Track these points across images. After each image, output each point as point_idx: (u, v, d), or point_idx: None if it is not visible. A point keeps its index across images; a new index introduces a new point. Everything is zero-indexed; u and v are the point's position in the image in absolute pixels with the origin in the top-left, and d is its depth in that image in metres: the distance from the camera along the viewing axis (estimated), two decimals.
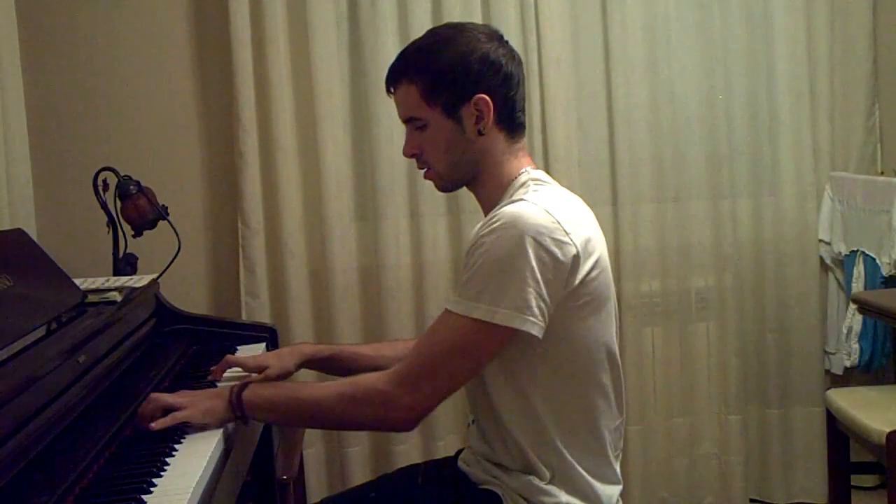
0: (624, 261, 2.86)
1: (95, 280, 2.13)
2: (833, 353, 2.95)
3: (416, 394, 1.40)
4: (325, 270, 2.81)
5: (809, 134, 2.91)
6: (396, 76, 1.54)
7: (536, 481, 1.47)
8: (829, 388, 2.76)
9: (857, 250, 2.78)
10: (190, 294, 2.70)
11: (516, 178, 1.53)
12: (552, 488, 1.47)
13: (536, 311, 1.37)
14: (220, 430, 1.46)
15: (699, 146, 2.90)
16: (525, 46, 2.78)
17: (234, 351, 2.06)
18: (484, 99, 1.49)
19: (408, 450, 2.82)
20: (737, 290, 2.94)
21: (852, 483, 2.67)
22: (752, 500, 2.99)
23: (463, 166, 1.54)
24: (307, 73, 2.76)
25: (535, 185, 1.50)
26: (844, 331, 2.84)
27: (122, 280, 2.17)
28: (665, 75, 2.87)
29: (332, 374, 1.87)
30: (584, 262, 1.42)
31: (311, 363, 1.80)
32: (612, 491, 1.52)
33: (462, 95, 1.49)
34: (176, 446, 1.39)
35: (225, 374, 1.76)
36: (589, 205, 1.55)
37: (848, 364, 2.84)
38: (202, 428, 1.46)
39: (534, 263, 1.36)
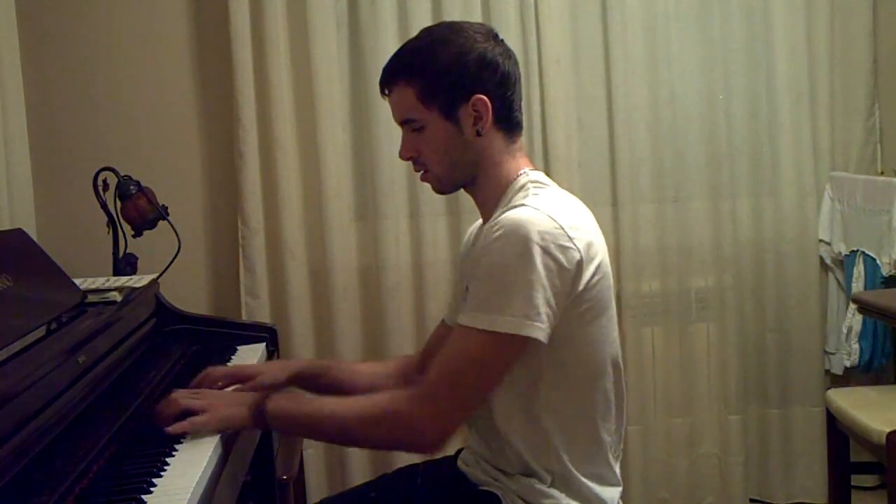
0: (624, 261, 2.86)
1: (95, 280, 2.13)
2: (833, 353, 2.95)
3: (440, 414, 1.38)
4: (325, 270, 2.81)
5: (809, 134, 2.91)
6: (391, 78, 1.51)
7: (537, 484, 1.47)
8: (829, 388, 2.76)
9: (857, 250, 2.78)
10: (190, 294, 2.69)
11: (515, 179, 1.51)
12: (553, 491, 1.46)
13: (544, 317, 1.36)
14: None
15: (699, 146, 2.90)
16: (525, 46, 2.78)
17: (234, 351, 2.06)
18: (482, 99, 1.47)
19: None
20: (737, 290, 2.94)
21: (852, 483, 2.67)
22: (752, 500, 2.99)
23: (461, 168, 1.52)
24: (307, 73, 2.76)
25: (535, 187, 1.48)
26: (844, 331, 2.84)
27: (122, 280, 2.17)
28: (665, 75, 2.87)
29: (323, 392, 1.85)
30: (587, 267, 1.40)
31: (301, 378, 1.76)
32: (612, 493, 1.52)
33: (460, 96, 1.47)
34: (176, 446, 1.38)
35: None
36: (589, 205, 1.54)
37: (848, 364, 2.84)
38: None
39: (540, 270, 1.35)
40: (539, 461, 1.47)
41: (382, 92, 1.54)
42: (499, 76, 1.48)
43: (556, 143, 2.82)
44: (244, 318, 2.76)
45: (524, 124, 1.58)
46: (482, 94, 1.47)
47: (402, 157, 1.55)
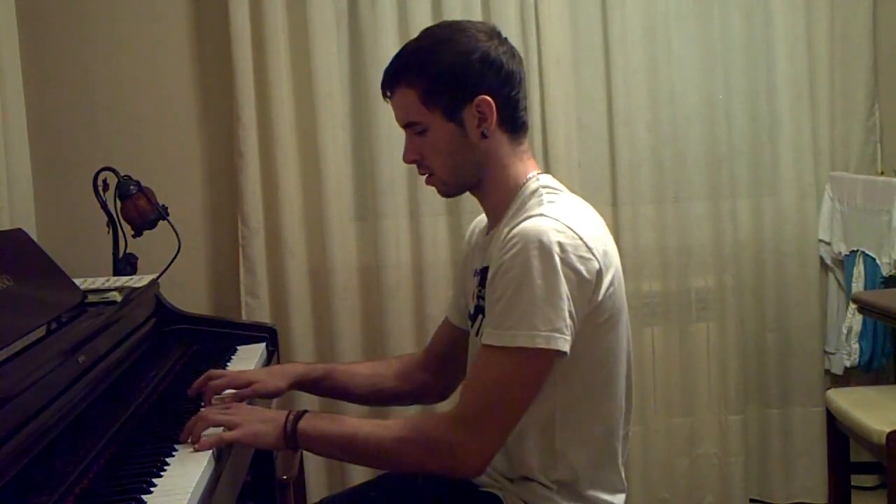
0: (624, 261, 2.81)
1: (95, 280, 2.13)
2: (833, 353, 2.95)
3: (482, 437, 1.35)
4: (325, 270, 2.81)
5: (809, 134, 2.90)
6: (393, 80, 1.48)
7: (540, 489, 1.46)
8: (829, 388, 2.75)
9: (857, 250, 2.78)
10: (190, 294, 2.69)
11: (524, 183, 1.49)
12: (556, 496, 1.45)
13: (567, 329, 1.34)
14: (220, 430, 1.45)
15: (699, 146, 2.90)
16: (525, 46, 2.77)
17: (234, 351, 2.06)
18: (486, 100, 1.44)
19: None
20: (737, 290, 2.94)
21: (852, 483, 2.66)
22: (752, 500, 2.99)
23: (466, 171, 1.49)
24: (307, 73, 2.76)
25: (549, 193, 1.46)
26: (844, 331, 2.84)
27: (122, 280, 2.17)
28: (665, 75, 2.87)
29: (324, 395, 1.82)
30: (605, 277, 1.39)
31: (303, 383, 1.73)
32: (617, 499, 1.51)
33: (463, 97, 1.44)
34: (176, 446, 1.38)
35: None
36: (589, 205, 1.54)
37: (848, 364, 2.84)
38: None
39: (562, 281, 1.33)
40: (547, 473, 1.46)
41: (384, 95, 1.51)
42: (503, 76, 1.46)
43: (556, 143, 2.82)
44: (244, 318, 2.76)
45: None
46: (486, 94, 1.44)
47: (405, 160, 1.53)
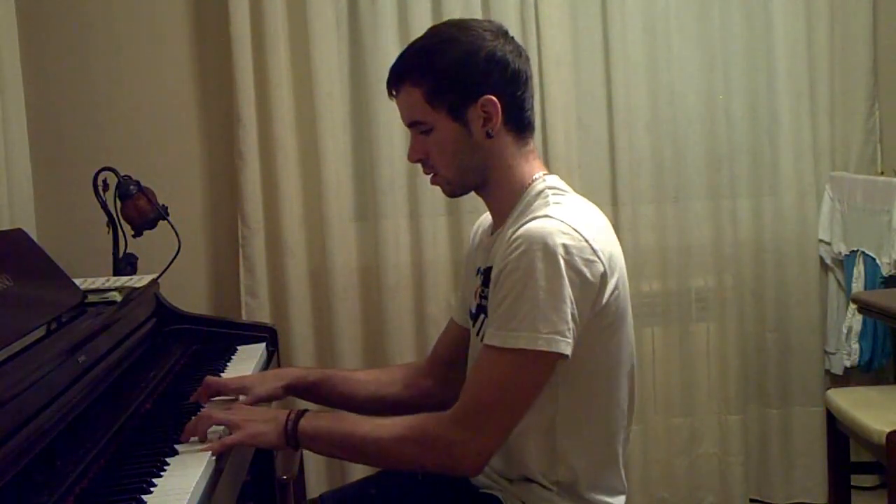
0: (624, 261, 2.85)
1: (95, 280, 2.13)
2: (833, 353, 2.95)
3: (481, 436, 1.35)
4: (325, 270, 2.81)
5: (809, 134, 2.90)
6: (398, 79, 1.48)
7: (540, 491, 1.46)
8: (829, 388, 2.75)
9: (857, 250, 2.78)
10: (190, 294, 2.69)
11: (530, 184, 1.48)
12: (556, 498, 1.45)
13: (569, 332, 1.34)
14: (220, 430, 1.45)
15: (699, 146, 2.90)
16: (525, 46, 2.73)
17: (234, 351, 2.06)
18: (491, 100, 1.43)
19: None
20: (737, 290, 2.94)
21: (852, 483, 2.66)
22: (752, 500, 2.99)
23: (471, 171, 1.49)
24: (307, 73, 2.76)
25: (555, 194, 1.45)
26: (844, 331, 2.84)
27: (122, 280, 2.17)
28: (665, 75, 2.87)
29: (321, 402, 1.80)
30: (609, 281, 1.39)
31: (298, 388, 1.72)
32: (618, 501, 1.51)
33: (468, 97, 1.43)
34: (176, 446, 1.38)
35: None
36: None
37: (848, 364, 2.84)
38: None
39: (566, 284, 1.33)
40: (548, 475, 1.46)
41: (390, 93, 1.51)
42: (508, 75, 1.45)
43: (556, 143, 2.82)
44: (244, 318, 2.76)
45: None
46: (491, 94, 1.44)
47: (410, 159, 1.52)
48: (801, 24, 2.88)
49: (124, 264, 2.36)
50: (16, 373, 1.36)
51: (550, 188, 1.47)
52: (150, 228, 2.35)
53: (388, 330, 2.81)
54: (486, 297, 1.46)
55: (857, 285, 2.77)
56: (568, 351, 1.34)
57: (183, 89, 2.84)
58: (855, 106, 2.95)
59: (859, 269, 2.77)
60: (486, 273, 1.49)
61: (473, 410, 1.37)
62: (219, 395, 1.65)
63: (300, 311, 2.81)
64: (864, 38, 2.93)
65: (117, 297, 2.00)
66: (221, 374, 1.84)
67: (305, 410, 1.44)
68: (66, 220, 2.73)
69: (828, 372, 2.98)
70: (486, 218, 1.62)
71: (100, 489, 1.24)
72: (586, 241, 1.36)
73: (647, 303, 2.91)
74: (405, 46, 1.53)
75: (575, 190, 1.54)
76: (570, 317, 1.33)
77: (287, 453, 2.19)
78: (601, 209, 1.54)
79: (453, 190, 1.54)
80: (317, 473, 2.84)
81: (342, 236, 2.81)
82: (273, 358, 2.12)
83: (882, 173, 2.94)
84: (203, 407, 1.62)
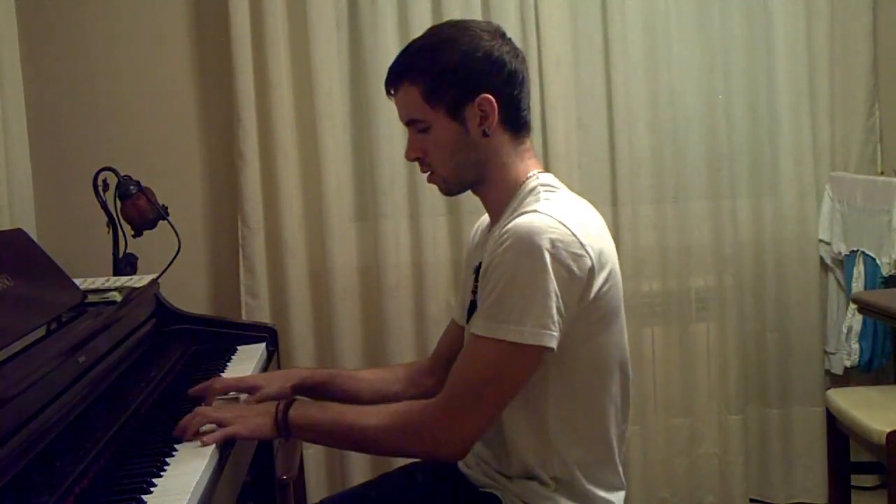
0: (624, 261, 2.85)
1: (95, 280, 2.13)
2: (833, 353, 2.95)
3: (463, 424, 1.38)
4: (325, 270, 2.81)
5: (809, 134, 2.90)
6: (397, 77, 1.49)
7: (539, 487, 1.46)
8: (829, 388, 2.75)
9: (857, 250, 2.78)
10: (190, 294, 2.69)
11: (524, 182, 1.50)
12: (555, 495, 1.46)
13: (555, 326, 1.35)
14: (213, 427, 1.45)
15: (699, 146, 2.90)
16: (525, 46, 2.77)
17: (234, 351, 2.06)
18: (488, 99, 1.45)
19: None
20: (737, 290, 2.94)
21: (852, 483, 2.67)
22: (752, 500, 2.99)
23: (468, 169, 1.50)
24: (307, 73, 2.76)
25: (546, 191, 1.47)
26: (844, 331, 2.84)
27: (122, 280, 2.17)
28: (665, 75, 2.87)
29: (326, 400, 1.84)
30: (598, 275, 1.39)
31: (305, 387, 1.74)
32: (616, 497, 1.51)
33: (465, 96, 1.45)
34: (176, 446, 1.38)
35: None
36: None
37: (848, 364, 2.84)
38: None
39: (552, 277, 1.34)
40: (544, 469, 1.46)
41: (388, 92, 1.52)
42: (505, 75, 1.47)
43: (556, 143, 2.82)
44: (244, 318, 2.76)
45: None
46: (488, 93, 1.45)
47: (407, 157, 1.54)
48: (801, 24, 2.88)
49: (124, 264, 2.36)
50: (16, 373, 1.36)
51: (543, 185, 1.49)
52: (150, 228, 2.35)
53: (388, 330, 2.81)
54: (476, 293, 1.48)
55: (857, 285, 2.77)
56: (553, 344, 1.36)
57: (183, 89, 2.84)
58: (855, 106, 2.95)
59: (859, 269, 2.77)
60: (478, 270, 1.51)
61: (458, 397, 1.39)
62: (233, 393, 1.66)
63: (300, 311, 2.81)
64: (864, 38, 2.93)
65: (117, 297, 2.00)
66: (222, 374, 1.84)
67: (294, 400, 1.47)
68: (66, 220, 2.73)
69: (828, 372, 2.98)
70: (486, 218, 1.63)
71: (100, 489, 1.24)
72: (574, 235, 1.37)
73: (647, 303, 2.92)
74: (407, 44, 1.55)
75: (575, 190, 1.55)
76: (555, 311, 1.35)
77: (287, 452, 2.20)
78: (601, 209, 1.55)
79: (449, 188, 1.55)
80: (317, 474, 2.84)
81: (342, 236, 2.81)
82: (273, 358, 2.12)
83: (882, 173, 2.94)
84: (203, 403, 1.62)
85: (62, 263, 1.94)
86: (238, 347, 2.08)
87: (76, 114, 2.79)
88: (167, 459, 1.33)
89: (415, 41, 1.53)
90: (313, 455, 2.84)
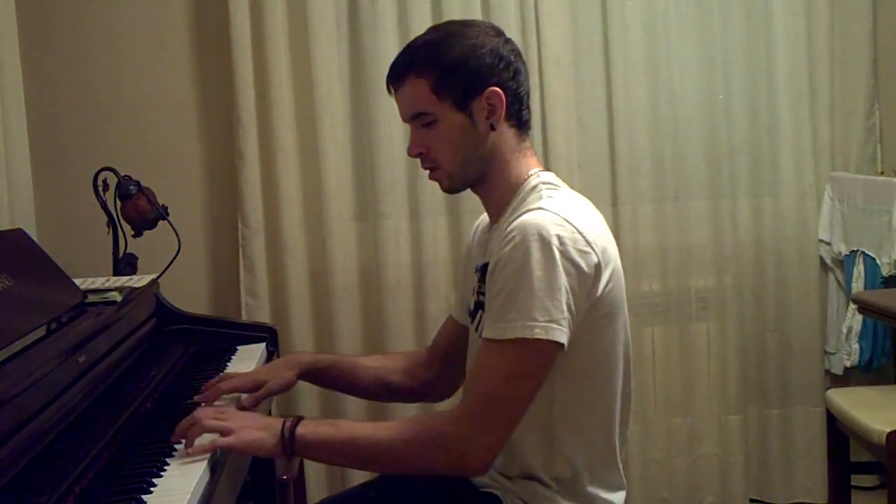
0: (624, 261, 2.81)
1: (95, 280, 2.13)
2: (833, 353, 2.95)
3: (488, 432, 1.35)
4: (325, 270, 2.81)
5: (809, 134, 2.90)
6: (402, 71, 1.49)
7: (540, 488, 1.46)
8: (829, 388, 2.75)
9: (857, 250, 2.78)
10: (190, 294, 2.69)
11: (526, 179, 1.50)
12: (556, 496, 1.46)
13: (565, 322, 1.34)
14: (213, 437, 1.43)
15: (699, 146, 2.90)
16: (525, 46, 2.77)
17: (234, 351, 2.06)
18: (496, 92, 1.46)
19: None
20: (737, 290, 2.94)
21: (852, 483, 2.66)
22: (752, 500, 2.99)
23: (473, 164, 1.50)
24: (307, 73, 2.76)
25: (548, 189, 1.47)
26: (844, 331, 2.84)
27: (122, 280, 2.17)
28: (665, 75, 2.87)
29: (331, 387, 1.83)
30: (604, 273, 1.39)
31: (309, 374, 1.73)
32: (617, 498, 1.51)
33: (474, 88, 1.46)
34: (176, 446, 1.38)
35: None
36: None
37: (848, 364, 2.84)
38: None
39: (562, 273, 1.33)
40: (547, 470, 1.46)
41: (389, 89, 1.52)
42: (511, 71, 1.48)
43: (556, 143, 2.82)
44: (244, 318, 2.76)
45: None
46: (496, 86, 1.46)
47: (410, 153, 1.53)
48: (801, 24, 2.88)
49: (124, 264, 2.36)
50: (16, 373, 1.36)
51: (545, 183, 1.49)
52: (150, 228, 2.35)
53: (388, 330, 2.81)
54: (483, 294, 1.47)
55: (857, 285, 2.77)
56: (564, 340, 1.35)
57: (183, 89, 2.84)
58: (855, 106, 2.95)
59: (859, 269, 2.77)
60: (482, 269, 1.50)
61: (479, 407, 1.36)
62: (237, 393, 1.65)
63: (300, 311, 2.81)
64: (864, 38, 2.93)
65: (117, 297, 2.00)
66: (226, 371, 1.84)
67: (302, 417, 1.42)
68: (66, 220, 2.73)
69: (828, 372, 2.98)
70: (485, 217, 1.63)
71: (100, 489, 1.24)
72: (580, 232, 1.37)
73: (647, 303, 2.91)
74: (410, 40, 1.54)
75: (575, 190, 1.55)
76: (565, 306, 1.34)
77: None
78: (601, 209, 1.55)
79: (453, 184, 1.54)
80: (317, 474, 2.83)
81: (342, 236, 2.81)
82: (273, 358, 2.12)
83: (882, 173, 2.94)
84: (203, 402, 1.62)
85: (62, 263, 1.94)
86: (238, 347, 2.09)
87: (76, 114, 2.79)
88: (167, 459, 1.33)
89: (419, 37, 1.53)
90: None
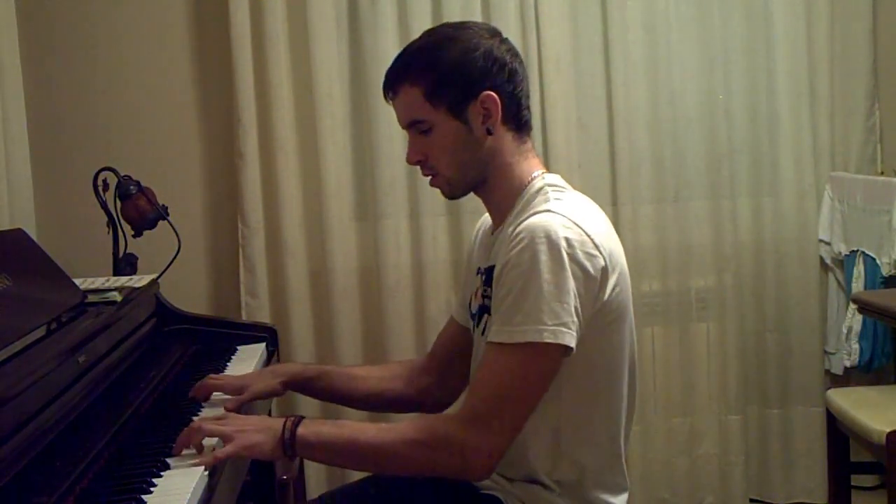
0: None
1: (95, 280, 2.13)
2: (833, 353, 2.95)
3: (492, 435, 1.33)
4: (325, 270, 2.81)
5: (809, 134, 2.90)
6: (396, 79, 1.48)
7: (542, 491, 1.46)
8: (829, 388, 2.75)
9: (857, 250, 2.78)
10: (190, 294, 2.69)
11: (530, 182, 1.49)
12: (559, 499, 1.45)
13: (573, 325, 1.33)
14: (213, 442, 1.42)
15: (699, 146, 2.90)
16: (525, 46, 2.77)
17: (234, 351, 2.06)
18: (491, 96, 1.44)
19: None
20: (737, 290, 2.94)
21: (852, 483, 2.66)
22: (752, 500, 2.99)
23: (472, 169, 1.48)
24: (307, 73, 2.76)
25: (555, 191, 1.45)
26: (844, 331, 2.84)
27: (122, 280, 2.17)
28: (665, 75, 2.87)
29: (320, 397, 1.81)
30: (611, 276, 1.39)
31: (297, 383, 1.72)
32: (620, 500, 1.50)
33: (468, 93, 1.44)
34: (169, 461, 1.38)
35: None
36: None
37: (848, 364, 2.84)
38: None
39: (570, 277, 1.33)
40: (551, 473, 1.45)
41: (386, 97, 1.51)
42: (506, 73, 1.46)
43: (556, 143, 2.82)
44: (244, 318, 2.76)
45: None
46: (490, 90, 1.44)
47: (409, 161, 1.52)
48: (801, 24, 2.87)
49: (124, 264, 2.36)
50: (16, 373, 1.36)
51: (550, 185, 1.47)
52: (150, 228, 2.35)
53: (388, 330, 2.81)
54: (488, 297, 1.46)
55: (857, 285, 2.77)
56: (573, 343, 1.34)
57: (183, 89, 2.84)
58: (855, 106, 2.95)
59: (859, 269, 2.77)
60: (487, 272, 1.49)
61: (483, 409, 1.35)
62: (225, 396, 1.65)
63: (300, 311, 2.81)
64: (864, 38, 2.93)
65: (117, 297, 2.00)
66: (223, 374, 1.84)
67: (302, 417, 1.41)
68: (66, 220, 2.73)
69: (828, 372, 2.98)
70: (487, 218, 1.62)
71: (100, 489, 1.24)
72: (587, 235, 1.36)
73: (647, 303, 2.91)
74: (404, 46, 1.53)
75: (575, 189, 1.55)
76: (573, 310, 1.33)
77: None
78: (601, 209, 1.54)
79: (454, 190, 1.53)
80: (317, 474, 2.83)
81: (342, 236, 2.81)
82: (273, 358, 2.12)
83: (882, 173, 2.94)
84: (200, 407, 1.62)
85: (62, 263, 1.94)
86: (238, 347, 2.09)
87: (76, 114, 2.79)
88: (167, 459, 1.33)
89: (412, 43, 1.52)
90: None
